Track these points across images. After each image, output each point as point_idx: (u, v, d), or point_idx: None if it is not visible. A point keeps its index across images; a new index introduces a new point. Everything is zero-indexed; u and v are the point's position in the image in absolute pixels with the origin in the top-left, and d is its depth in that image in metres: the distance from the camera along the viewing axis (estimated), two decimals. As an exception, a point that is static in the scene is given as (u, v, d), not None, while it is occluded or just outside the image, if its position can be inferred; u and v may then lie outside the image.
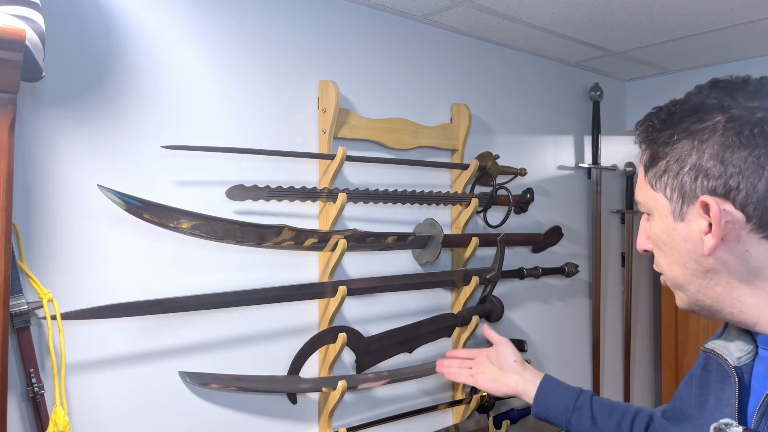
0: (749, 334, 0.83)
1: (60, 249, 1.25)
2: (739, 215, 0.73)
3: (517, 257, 2.16)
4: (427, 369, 1.81)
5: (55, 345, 1.20)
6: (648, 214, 0.85)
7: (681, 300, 0.86)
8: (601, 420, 1.22)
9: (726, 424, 0.77)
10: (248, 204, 1.52)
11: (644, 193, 0.84)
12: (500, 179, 2.00)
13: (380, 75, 1.80)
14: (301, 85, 1.62)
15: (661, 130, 0.80)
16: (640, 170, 0.86)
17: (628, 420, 1.20)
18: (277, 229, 1.49)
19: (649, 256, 0.90)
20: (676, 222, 0.79)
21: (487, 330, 1.54)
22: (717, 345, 0.85)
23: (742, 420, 0.78)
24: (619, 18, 1.88)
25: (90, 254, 1.29)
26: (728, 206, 0.74)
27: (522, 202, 2.10)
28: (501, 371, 1.42)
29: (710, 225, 0.75)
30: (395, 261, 1.81)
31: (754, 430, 0.74)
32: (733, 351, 0.83)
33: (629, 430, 1.19)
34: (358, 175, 1.73)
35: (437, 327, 1.85)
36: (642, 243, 0.89)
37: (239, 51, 1.52)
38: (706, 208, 0.75)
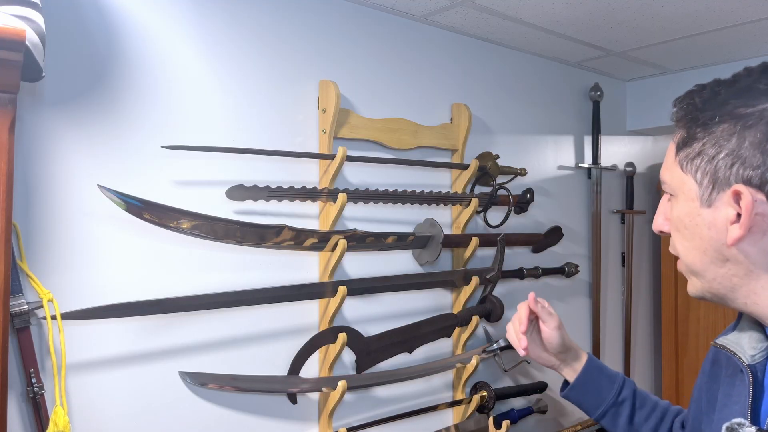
0: (763, 331, 0.81)
1: (60, 249, 1.25)
2: None
3: (517, 257, 2.16)
4: (427, 369, 1.81)
5: (55, 345, 1.20)
6: (671, 195, 0.82)
7: (694, 286, 0.83)
8: (638, 421, 1.14)
9: (739, 424, 0.75)
10: (248, 204, 1.51)
11: (671, 173, 0.80)
12: (500, 179, 2.00)
13: (380, 75, 1.80)
14: (301, 85, 1.62)
15: (702, 110, 0.76)
16: (671, 149, 0.82)
17: (666, 426, 1.13)
18: (277, 229, 1.49)
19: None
20: (702, 207, 0.76)
21: (532, 304, 1.17)
22: (729, 341, 0.83)
23: (755, 419, 0.76)
24: (619, 18, 1.88)
25: (90, 254, 1.29)
26: (761, 198, 0.71)
27: (522, 202, 2.10)
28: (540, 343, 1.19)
29: (738, 215, 0.72)
30: (395, 261, 1.81)
31: None
32: (747, 348, 0.81)
33: None
34: (358, 175, 1.73)
35: (437, 327, 1.85)
36: (659, 224, 0.86)
37: (239, 51, 1.52)
38: (737, 197, 0.72)
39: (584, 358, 1.18)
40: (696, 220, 0.77)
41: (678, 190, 0.80)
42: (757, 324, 0.82)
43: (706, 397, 0.92)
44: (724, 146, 0.73)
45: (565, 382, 1.20)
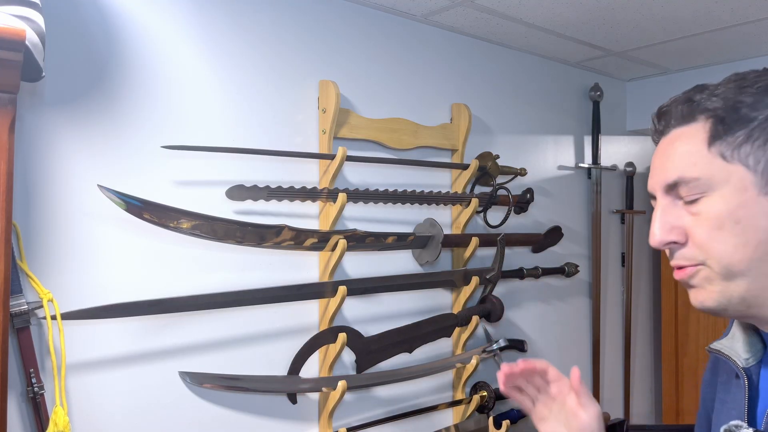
0: (757, 334, 0.81)
1: (60, 249, 1.25)
2: None
3: (517, 257, 2.16)
4: (427, 369, 1.82)
5: (55, 345, 1.20)
6: (698, 195, 0.74)
7: (722, 294, 0.74)
8: None
9: (737, 426, 0.74)
10: (248, 204, 1.51)
11: (709, 167, 0.73)
12: (500, 179, 2.00)
13: (380, 75, 1.80)
14: (301, 86, 1.62)
15: (743, 94, 0.72)
16: (694, 143, 0.75)
17: None
18: (277, 229, 1.49)
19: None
20: (760, 196, 0.71)
21: (576, 382, 0.93)
22: (723, 345, 0.82)
23: (752, 422, 0.76)
24: (619, 18, 1.88)
25: (90, 254, 1.29)
26: None
27: (522, 202, 2.10)
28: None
29: None
30: (395, 261, 1.81)
31: None
32: (740, 352, 0.80)
33: None
34: (358, 175, 1.73)
35: (437, 327, 1.85)
36: (664, 235, 0.76)
37: (239, 51, 1.52)
38: None
39: None
40: (754, 210, 0.71)
41: (719, 184, 0.73)
42: (750, 328, 0.81)
43: (707, 405, 0.91)
44: None
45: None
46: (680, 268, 0.77)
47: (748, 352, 0.79)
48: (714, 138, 0.73)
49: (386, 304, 1.80)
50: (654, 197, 0.79)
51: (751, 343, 0.80)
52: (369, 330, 1.73)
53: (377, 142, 1.76)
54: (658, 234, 0.76)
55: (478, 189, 2.01)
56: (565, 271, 2.27)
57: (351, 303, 1.70)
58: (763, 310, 0.73)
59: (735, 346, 0.81)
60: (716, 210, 0.73)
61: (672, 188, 0.76)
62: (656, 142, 0.82)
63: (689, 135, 0.76)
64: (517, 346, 2.03)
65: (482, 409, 1.95)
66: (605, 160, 2.51)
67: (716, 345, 0.83)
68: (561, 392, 0.96)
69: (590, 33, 2.02)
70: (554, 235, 2.23)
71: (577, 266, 2.30)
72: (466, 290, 1.91)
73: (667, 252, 0.78)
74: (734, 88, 0.73)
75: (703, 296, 0.75)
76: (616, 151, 2.62)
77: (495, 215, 2.03)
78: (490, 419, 1.91)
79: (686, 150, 0.76)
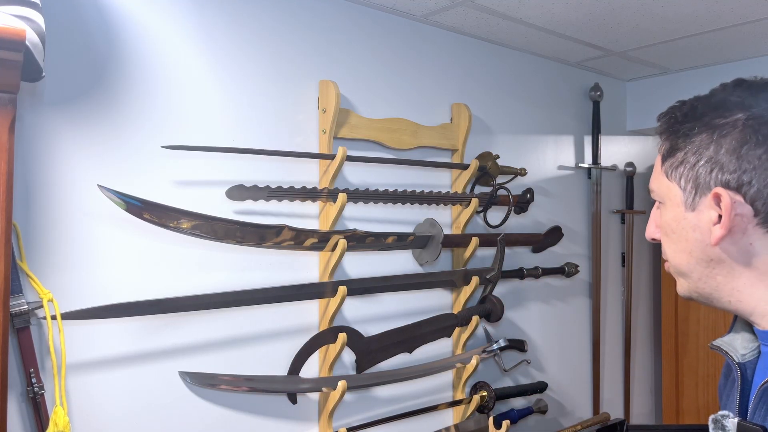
0: (752, 332, 0.86)
1: (60, 249, 1.25)
2: (748, 209, 0.77)
3: (517, 257, 2.16)
4: (427, 369, 1.82)
5: (55, 345, 1.20)
6: (660, 203, 0.88)
7: (682, 287, 0.89)
8: None
9: (723, 416, 0.80)
10: (248, 204, 1.51)
11: (659, 182, 0.87)
12: (500, 179, 2.00)
13: (380, 75, 1.80)
14: (301, 85, 1.62)
15: (682, 122, 0.83)
16: (657, 160, 0.88)
17: None
18: (277, 229, 1.49)
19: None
20: (687, 212, 0.82)
21: None
22: (723, 342, 0.88)
23: (743, 414, 0.81)
24: (619, 18, 1.88)
25: (90, 254, 1.29)
26: (739, 199, 0.77)
27: (522, 202, 2.10)
28: None
29: (719, 216, 0.78)
30: (395, 261, 1.81)
31: (748, 421, 0.78)
32: (738, 347, 0.86)
33: None
34: (358, 175, 1.73)
35: (437, 327, 1.85)
36: (651, 231, 0.92)
37: (239, 51, 1.52)
38: (717, 199, 0.78)
39: None
40: (682, 223, 0.84)
41: (665, 197, 0.86)
42: (748, 325, 0.87)
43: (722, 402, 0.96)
44: (703, 154, 0.80)
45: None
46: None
47: (746, 348, 0.86)
48: (663, 158, 0.86)
49: (386, 304, 1.80)
50: None
51: (749, 340, 0.86)
52: (369, 330, 1.73)
53: (377, 142, 1.76)
54: (648, 230, 0.92)
55: (478, 189, 2.01)
56: (565, 271, 2.27)
57: (351, 303, 1.70)
58: (720, 303, 0.85)
59: (734, 342, 0.87)
60: (664, 219, 0.87)
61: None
62: None
63: (658, 150, 0.90)
64: (517, 346, 2.03)
65: (482, 409, 1.95)
66: (605, 160, 2.51)
67: (717, 342, 0.89)
68: None
69: (590, 33, 2.02)
70: (554, 235, 2.23)
71: (577, 266, 2.30)
72: (466, 290, 1.91)
73: None
74: (680, 114, 0.84)
75: (677, 287, 0.91)
76: (616, 151, 2.62)
77: (495, 215, 2.03)
78: (490, 419, 1.91)
79: (655, 164, 0.90)
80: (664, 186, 0.85)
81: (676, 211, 0.84)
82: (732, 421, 0.79)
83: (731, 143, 0.77)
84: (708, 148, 0.79)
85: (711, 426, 0.81)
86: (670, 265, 0.90)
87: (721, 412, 0.80)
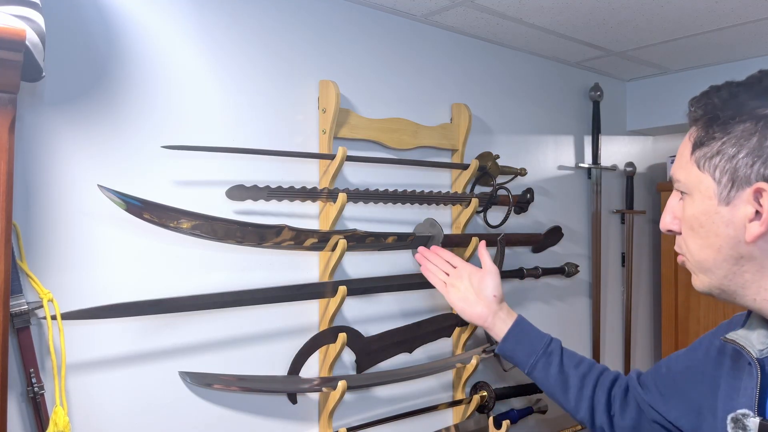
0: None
1: (60, 249, 1.25)
2: None
3: (517, 257, 2.16)
4: (427, 369, 1.81)
5: (55, 345, 1.20)
6: (684, 194, 0.84)
7: (702, 282, 0.85)
8: (568, 369, 1.23)
9: (744, 414, 0.78)
10: (248, 204, 1.51)
11: (687, 172, 0.82)
12: (500, 179, 2.00)
13: (380, 75, 1.80)
14: (301, 85, 1.62)
15: (722, 109, 0.78)
16: (686, 148, 0.83)
17: (594, 375, 1.22)
18: (277, 229, 1.49)
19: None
20: (720, 205, 0.78)
21: (482, 250, 1.47)
22: (739, 336, 0.85)
23: (762, 411, 0.79)
24: (619, 18, 1.88)
25: (90, 254, 1.29)
26: None
27: (522, 202, 2.10)
28: (476, 297, 1.40)
29: (756, 212, 0.75)
30: (395, 261, 1.81)
31: None
32: (755, 343, 0.83)
33: (593, 385, 1.21)
34: (358, 175, 1.73)
35: (437, 327, 1.85)
36: (667, 223, 0.87)
37: (239, 51, 1.52)
38: (759, 194, 0.74)
39: (515, 314, 1.37)
40: (713, 218, 0.79)
41: (694, 189, 0.81)
42: (765, 321, 0.84)
43: (708, 381, 0.95)
44: (744, 145, 0.75)
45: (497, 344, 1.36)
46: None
47: (763, 343, 0.83)
48: (695, 147, 0.81)
49: (386, 304, 1.80)
50: None
51: (766, 336, 0.83)
52: (369, 330, 1.73)
53: (377, 142, 1.76)
54: (664, 221, 0.88)
55: (478, 189, 2.01)
56: (565, 271, 2.27)
57: (351, 303, 1.70)
58: (743, 300, 0.82)
59: (750, 337, 0.84)
60: (689, 212, 0.83)
61: (674, 183, 0.87)
62: None
63: (687, 138, 0.84)
64: (517, 346, 2.02)
65: (482, 409, 1.95)
66: (605, 160, 2.51)
67: (732, 335, 0.86)
68: (463, 267, 1.47)
69: (590, 33, 2.02)
70: (554, 235, 2.23)
71: (577, 266, 2.30)
72: (466, 290, 1.91)
73: None
74: (719, 101, 0.79)
75: (694, 282, 0.87)
76: (616, 151, 2.62)
77: (495, 215, 2.03)
78: (490, 419, 1.91)
79: (681, 152, 0.85)
80: (693, 176, 0.81)
81: (707, 205, 0.79)
82: (754, 420, 0.76)
83: None
84: (750, 139, 0.74)
85: (730, 425, 0.79)
86: (688, 260, 0.86)
87: (740, 411, 0.78)
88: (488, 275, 1.41)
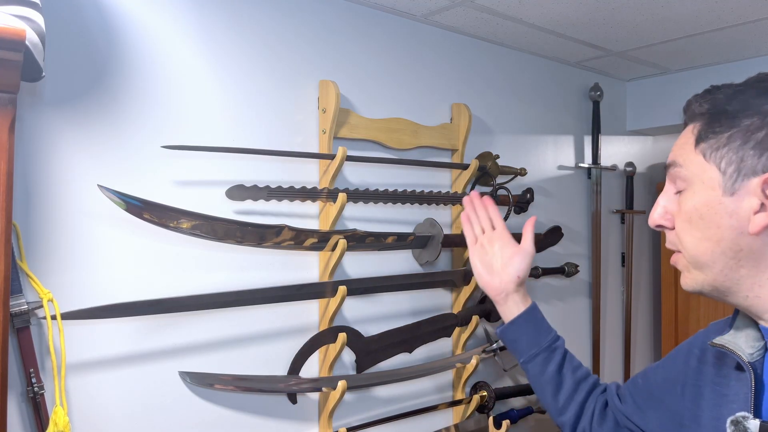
0: (758, 330, 0.84)
1: (60, 249, 1.25)
2: None
3: (517, 257, 2.16)
4: (427, 369, 1.82)
5: (55, 345, 1.20)
6: (684, 187, 0.83)
7: (694, 280, 0.84)
8: (566, 371, 1.20)
9: (743, 417, 0.77)
10: (248, 204, 1.51)
11: (691, 162, 0.82)
12: (500, 179, 2.00)
13: (380, 75, 1.80)
14: (301, 85, 1.62)
15: (729, 103, 0.79)
16: (687, 140, 0.84)
17: (589, 383, 1.20)
18: (277, 229, 1.49)
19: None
20: (725, 196, 0.78)
21: (528, 228, 1.32)
22: (727, 340, 0.85)
23: (757, 414, 0.79)
24: (619, 18, 1.88)
25: (90, 254, 1.29)
26: None
27: (522, 202, 2.10)
28: (500, 268, 1.28)
29: (761, 205, 0.75)
30: (395, 261, 1.81)
31: None
32: (744, 347, 0.83)
33: (587, 391, 1.19)
34: (358, 175, 1.73)
35: (437, 327, 1.85)
36: (657, 218, 0.87)
37: (239, 51, 1.52)
38: (766, 186, 0.75)
39: (530, 300, 1.28)
40: (716, 208, 0.79)
41: (696, 180, 0.81)
42: (753, 324, 0.84)
43: (690, 391, 0.94)
44: (751, 138, 0.76)
45: (502, 322, 1.29)
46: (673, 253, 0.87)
47: (752, 347, 0.82)
48: (699, 139, 0.81)
49: (386, 304, 1.80)
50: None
51: (755, 338, 0.83)
52: (369, 330, 1.73)
53: (377, 142, 1.76)
54: (653, 216, 0.88)
55: (478, 189, 2.01)
56: (565, 271, 2.27)
57: (351, 303, 1.70)
58: (735, 298, 0.82)
59: (738, 341, 0.84)
60: (688, 204, 0.82)
61: (670, 171, 0.86)
62: None
63: (688, 132, 0.85)
64: (517, 346, 2.02)
65: (482, 409, 1.95)
66: (605, 160, 2.52)
67: (719, 340, 0.86)
68: (502, 237, 1.32)
69: (590, 33, 2.02)
70: (554, 235, 2.23)
71: (577, 266, 2.30)
72: (466, 290, 1.91)
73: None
74: (725, 96, 0.81)
75: (684, 280, 0.87)
76: (616, 151, 2.62)
77: (495, 215, 2.02)
78: (490, 419, 1.91)
79: (681, 144, 0.85)
80: (696, 167, 0.81)
81: (710, 195, 0.79)
82: (754, 423, 0.76)
83: None
84: (757, 133, 0.76)
85: (730, 428, 0.78)
86: (682, 257, 0.85)
87: (740, 414, 0.78)
88: (521, 254, 1.28)
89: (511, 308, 1.26)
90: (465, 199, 1.38)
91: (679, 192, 0.85)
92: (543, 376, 1.20)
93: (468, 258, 1.69)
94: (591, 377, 1.22)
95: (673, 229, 0.86)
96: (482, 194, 1.38)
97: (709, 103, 0.81)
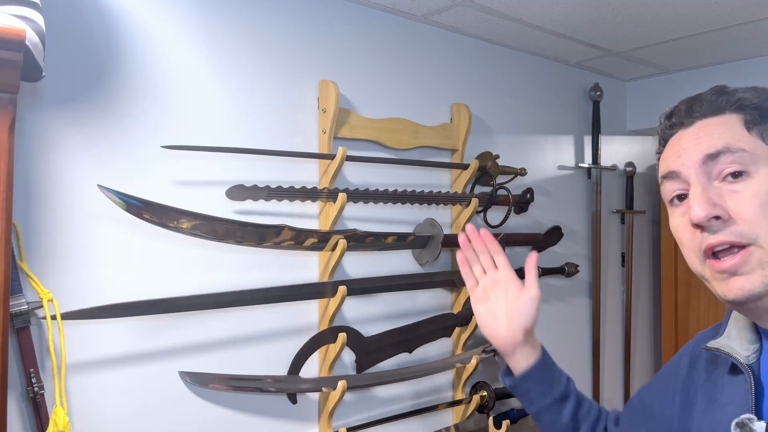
0: (756, 332, 0.83)
1: (60, 249, 1.25)
2: None
3: (517, 257, 2.16)
4: (427, 369, 1.82)
5: (55, 345, 1.20)
6: (743, 167, 0.76)
7: (762, 281, 0.74)
8: (581, 418, 1.11)
9: (749, 419, 0.76)
10: (248, 204, 1.51)
11: (753, 145, 0.76)
12: (500, 179, 2.00)
13: (380, 75, 1.80)
14: (301, 85, 1.62)
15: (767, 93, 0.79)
16: (733, 127, 0.78)
17: (602, 425, 1.12)
18: (277, 229, 1.49)
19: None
20: None
21: (530, 265, 1.14)
22: (721, 344, 0.84)
23: (759, 415, 0.78)
24: (619, 18, 1.88)
25: (90, 254, 1.29)
26: None
27: (522, 202, 2.10)
28: (504, 317, 1.11)
29: None
30: (395, 261, 1.81)
31: None
32: (740, 349, 0.82)
33: None
34: (358, 175, 1.73)
35: (437, 327, 1.85)
36: (709, 209, 0.75)
37: (239, 51, 1.52)
38: None
39: (540, 347, 1.11)
40: None
41: (762, 162, 0.75)
42: (750, 326, 0.83)
43: (681, 400, 0.93)
44: None
45: (508, 370, 1.13)
46: (718, 253, 0.76)
47: (747, 349, 0.81)
48: (752, 123, 0.77)
49: (386, 304, 1.80)
50: (674, 178, 0.80)
51: (750, 341, 0.82)
52: (369, 330, 1.73)
53: (377, 142, 1.76)
54: (702, 207, 0.75)
55: (478, 189, 2.01)
56: (565, 271, 2.27)
57: (351, 303, 1.70)
58: None
59: (732, 344, 0.83)
60: (761, 187, 0.74)
61: (712, 161, 0.77)
62: (671, 135, 0.84)
63: (721, 123, 0.79)
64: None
65: (482, 409, 1.95)
66: (605, 160, 2.52)
67: (713, 344, 0.84)
68: (506, 279, 1.13)
69: (590, 33, 2.02)
70: (554, 235, 2.23)
71: (577, 266, 2.30)
72: (466, 290, 1.91)
73: (703, 234, 0.77)
74: (758, 89, 0.79)
75: (753, 282, 0.74)
76: (616, 151, 2.62)
77: (495, 215, 2.03)
78: (490, 419, 1.91)
79: (725, 130, 0.78)
80: (760, 149, 0.76)
81: None
82: (760, 425, 0.75)
83: None
84: None
85: (735, 430, 0.77)
86: (754, 252, 0.74)
87: (745, 416, 0.77)
88: (526, 299, 1.10)
89: (519, 360, 1.10)
90: (460, 237, 1.22)
91: (735, 178, 0.76)
92: (556, 425, 1.10)
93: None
94: (602, 416, 1.14)
95: (728, 221, 0.75)
96: (485, 221, 1.23)
97: (749, 93, 0.80)
